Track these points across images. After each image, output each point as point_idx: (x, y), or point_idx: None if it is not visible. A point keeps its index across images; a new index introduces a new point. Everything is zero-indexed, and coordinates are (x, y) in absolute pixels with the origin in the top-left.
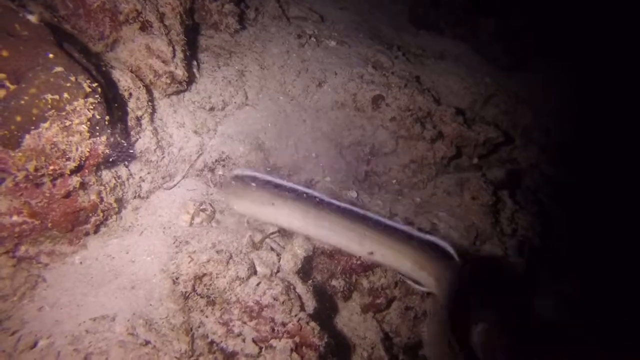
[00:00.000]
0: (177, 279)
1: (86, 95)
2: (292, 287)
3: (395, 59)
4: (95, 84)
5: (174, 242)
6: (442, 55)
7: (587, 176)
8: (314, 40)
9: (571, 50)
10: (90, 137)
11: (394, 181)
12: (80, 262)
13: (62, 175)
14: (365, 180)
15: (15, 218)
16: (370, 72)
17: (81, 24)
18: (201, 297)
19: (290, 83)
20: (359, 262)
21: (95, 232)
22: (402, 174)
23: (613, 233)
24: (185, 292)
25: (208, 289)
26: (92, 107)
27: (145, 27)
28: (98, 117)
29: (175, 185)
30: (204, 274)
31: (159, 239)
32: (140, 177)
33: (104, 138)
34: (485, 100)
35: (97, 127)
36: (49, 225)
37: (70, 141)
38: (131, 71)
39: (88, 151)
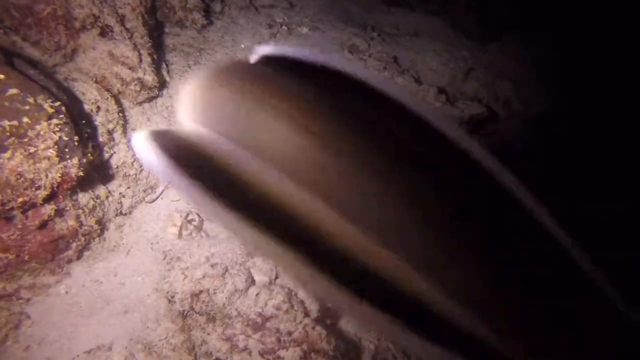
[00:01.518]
0: (172, 297)
1: (49, 117)
2: (293, 293)
3: (370, 40)
4: (57, 103)
5: (164, 258)
6: (416, 32)
7: (570, 147)
8: (285, 28)
9: (547, 20)
10: (60, 162)
11: None
12: (66, 292)
13: (34, 205)
14: None
15: None
16: (347, 56)
17: (32, 34)
18: (200, 315)
19: None
20: None
21: (79, 257)
22: None
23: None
24: (183, 310)
25: (207, 306)
26: (57, 129)
27: (105, 32)
28: (66, 138)
29: (158, 197)
30: (201, 291)
31: (147, 257)
32: (120, 193)
33: (75, 160)
34: (465, 75)
35: (67, 150)
36: (26, 257)
37: (38, 168)
38: (96, 82)
39: (60, 176)
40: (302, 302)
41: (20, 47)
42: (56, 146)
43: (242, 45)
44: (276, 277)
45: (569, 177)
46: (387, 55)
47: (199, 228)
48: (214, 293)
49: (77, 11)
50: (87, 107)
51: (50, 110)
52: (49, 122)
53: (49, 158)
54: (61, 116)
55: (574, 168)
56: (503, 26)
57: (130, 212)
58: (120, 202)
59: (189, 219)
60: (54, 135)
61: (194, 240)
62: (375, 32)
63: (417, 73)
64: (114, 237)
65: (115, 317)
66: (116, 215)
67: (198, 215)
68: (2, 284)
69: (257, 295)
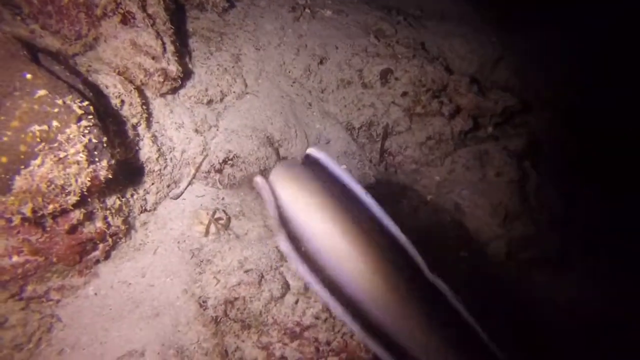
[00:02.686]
0: (204, 302)
1: (78, 119)
2: None
3: (397, 24)
4: (85, 103)
5: (192, 257)
6: (442, 15)
7: (606, 137)
8: (308, 11)
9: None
10: (89, 165)
11: (410, 160)
12: (95, 293)
13: (64, 211)
14: (381, 162)
15: (15, 259)
16: (374, 42)
17: (52, 23)
18: (235, 322)
19: (290, 63)
20: None
21: (106, 258)
22: (419, 152)
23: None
24: (216, 316)
25: (242, 313)
26: (87, 131)
27: (127, 20)
28: (95, 140)
29: (182, 193)
30: (236, 298)
31: (175, 256)
32: (145, 189)
33: (104, 162)
34: (495, 63)
35: (96, 152)
36: (54, 260)
37: (68, 174)
38: (118, 73)
39: (89, 180)
40: None
41: (39, 36)
42: (86, 150)
43: (266, 29)
44: None
45: (599, 168)
46: (414, 41)
47: (226, 225)
48: (250, 301)
49: None
50: (111, 101)
51: (80, 112)
52: (79, 124)
53: (78, 162)
54: (90, 117)
55: (604, 159)
56: (530, 11)
57: (154, 209)
58: (145, 198)
59: (216, 217)
60: (83, 138)
61: (224, 241)
62: (400, 16)
63: (445, 60)
64: (140, 235)
65: (146, 320)
66: (140, 213)
67: (225, 212)
68: (33, 286)
69: (295, 303)
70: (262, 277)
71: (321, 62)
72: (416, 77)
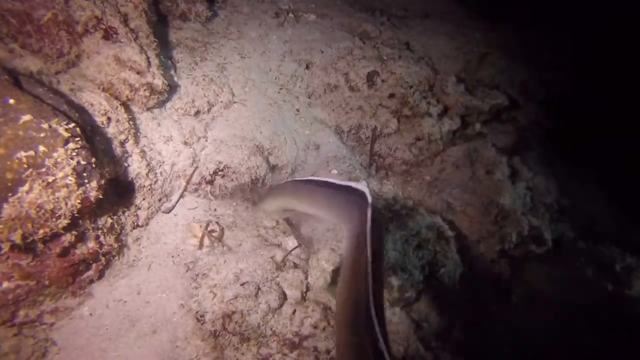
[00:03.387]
0: (202, 317)
1: (65, 142)
2: (328, 309)
3: (381, 25)
4: (72, 125)
5: (187, 271)
6: (426, 13)
7: (590, 126)
8: (292, 16)
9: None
10: (79, 187)
11: (400, 162)
12: (90, 314)
13: (55, 235)
14: (371, 164)
15: (6, 284)
16: (359, 45)
17: (31, 42)
18: (233, 335)
19: (276, 70)
20: None
21: (100, 277)
22: (409, 153)
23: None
24: (215, 330)
25: (240, 326)
26: (75, 154)
27: (109, 35)
28: (83, 162)
29: (174, 207)
30: (234, 312)
31: (169, 271)
32: (136, 205)
33: (94, 183)
34: (480, 60)
35: (85, 174)
36: (47, 283)
37: (58, 198)
38: (103, 90)
39: (79, 202)
40: None
41: (19, 55)
42: (74, 172)
43: (250, 36)
44: (307, 290)
45: (584, 155)
46: (399, 41)
47: (219, 237)
48: (248, 314)
49: (78, 14)
50: (98, 119)
51: (66, 135)
52: (66, 147)
53: (67, 186)
54: (77, 139)
55: (589, 147)
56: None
57: (147, 224)
58: (137, 214)
59: (209, 229)
60: (71, 161)
61: (218, 254)
62: (384, 17)
63: (430, 59)
64: (133, 251)
65: (143, 338)
66: (133, 229)
67: (217, 223)
68: (25, 311)
69: (292, 313)
70: (259, 289)
71: (307, 67)
72: (402, 78)
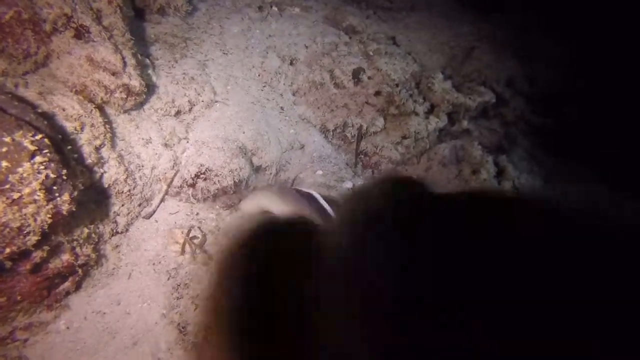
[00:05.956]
0: (184, 328)
1: (32, 156)
2: None
3: (366, 19)
4: (39, 136)
5: (168, 279)
6: (412, 5)
7: (578, 123)
8: (276, 9)
9: None
10: (48, 202)
11: (387, 160)
12: (67, 327)
13: (24, 252)
14: (356, 164)
15: None
16: (344, 40)
17: None
18: None
19: (259, 66)
20: None
21: (77, 288)
22: (395, 152)
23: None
24: (197, 342)
25: None
26: (43, 167)
27: (81, 34)
28: (53, 175)
29: (154, 211)
30: None
31: (150, 279)
32: (114, 211)
33: (66, 196)
34: (467, 54)
35: (55, 187)
36: (18, 298)
37: (25, 214)
38: (76, 92)
39: (50, 217)
40: None
41: None
42: (43, 187)
43: (233, 31)
44: None
45: (571, 153)
46: (385, 35)
47: (202, 243)
48: None
49: (45, 11)
50: (69, 125)
51: (32, 148)
52: (32, 161)
53: (35, 201)
54: (45, 151)
55: (579, 144)
56: None
57: (126, 230)
58: (116, 220)
59: (191, 236)
60: (39, 175)
61: (200, 262)
62: (370, 9)
63: (416, 54)
64: (112, 258)
65: (124, 351)
66: (112, 236)
67: (199, 228)
68: None
69: None
70: None
71: (292, 64)
72: (389, 75)
